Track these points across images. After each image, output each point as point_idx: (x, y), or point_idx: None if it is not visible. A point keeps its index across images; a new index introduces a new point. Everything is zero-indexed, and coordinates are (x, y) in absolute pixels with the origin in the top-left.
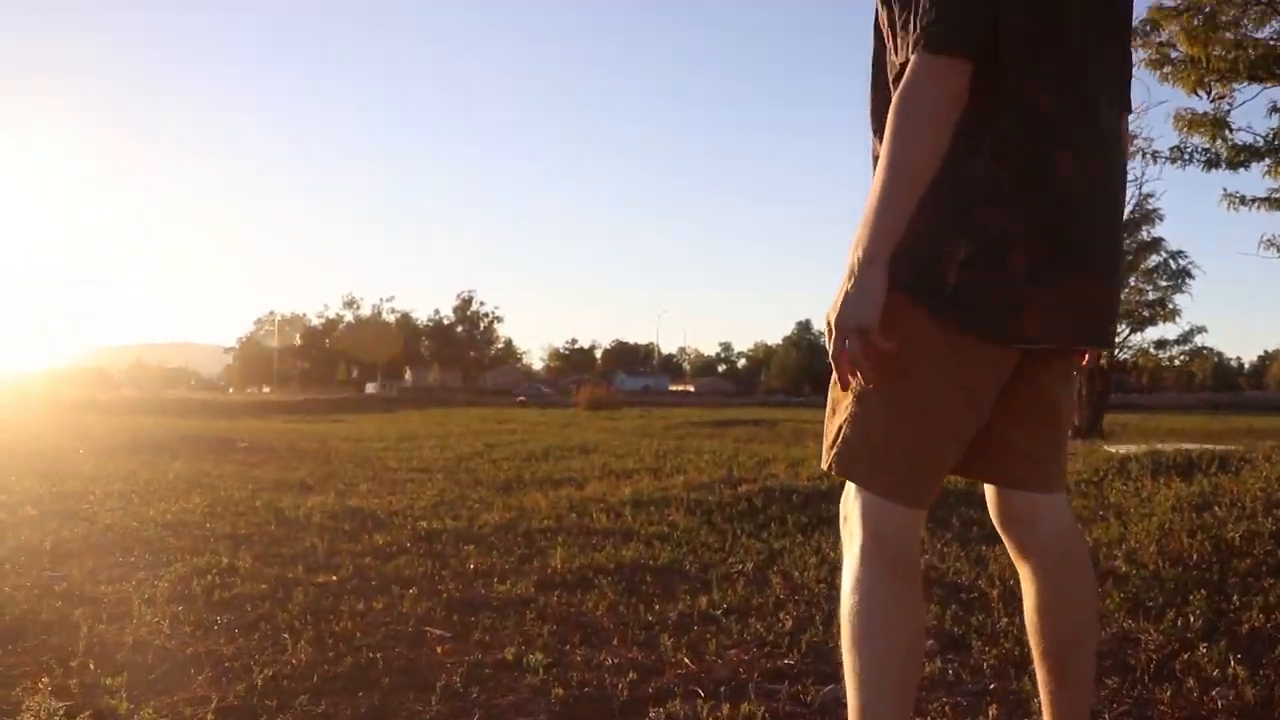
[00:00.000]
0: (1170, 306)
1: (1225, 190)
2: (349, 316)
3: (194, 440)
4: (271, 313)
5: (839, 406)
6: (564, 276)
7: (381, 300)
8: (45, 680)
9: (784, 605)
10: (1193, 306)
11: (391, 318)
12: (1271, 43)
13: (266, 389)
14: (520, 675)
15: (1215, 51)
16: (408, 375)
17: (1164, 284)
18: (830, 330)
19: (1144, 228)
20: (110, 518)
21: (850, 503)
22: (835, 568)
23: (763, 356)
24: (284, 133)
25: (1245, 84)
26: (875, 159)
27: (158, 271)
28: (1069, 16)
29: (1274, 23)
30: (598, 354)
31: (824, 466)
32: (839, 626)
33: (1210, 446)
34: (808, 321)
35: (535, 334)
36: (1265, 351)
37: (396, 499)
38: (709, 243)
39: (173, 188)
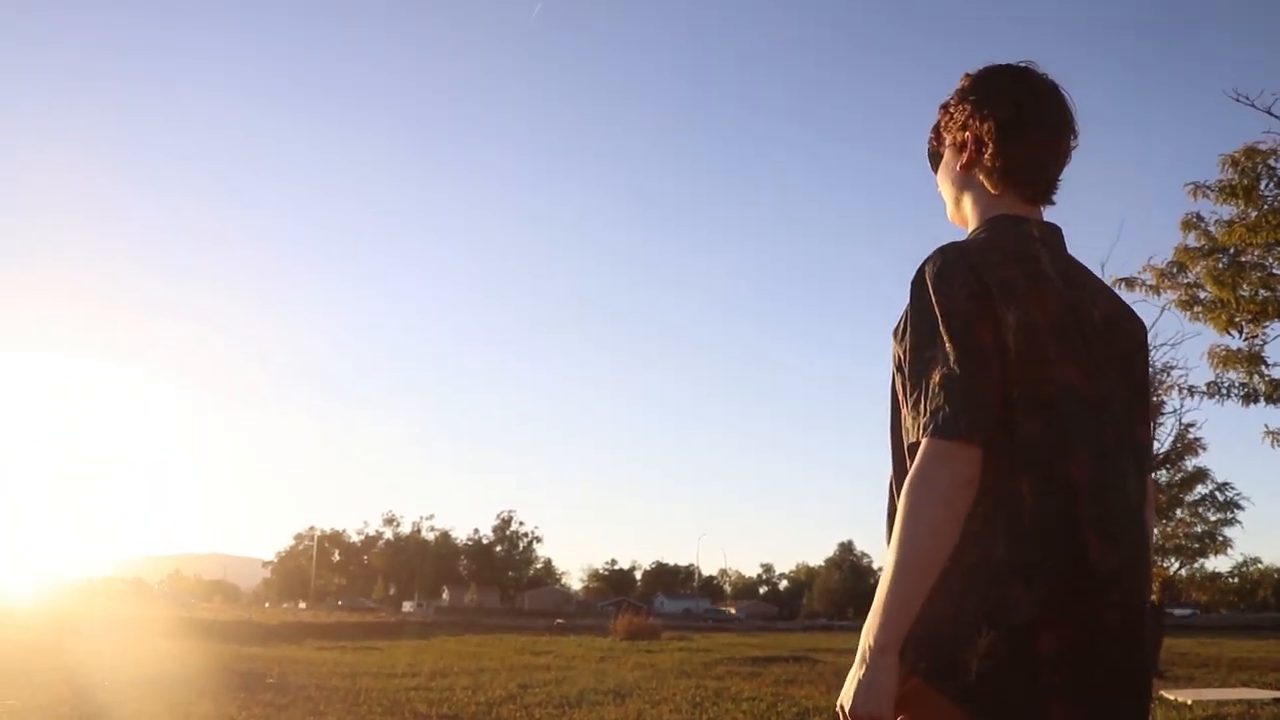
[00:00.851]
0: (1220, 539)
1: (1267, 427)
2: (388, 534)
3: (223, 673)
4: (311, 528)
5: None
6: (604, 496)
7: (421, 518)
8: None
9: None
10: (1244, 537)
11: (431, 536)
12: None
13: (303, 605)
14: None
15: (1243, 293)
16: (445, 594)
17: (1212, 517)
18: (842, 716)
19: (1186, 458)
20: None
21: None
22: None
23: (805, 578)
24: (327, 352)
25: (1277, 322)
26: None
27: (201, 483)
28: (1089, 389)
29: None
30: (637, 575)
31: None
32: None
33: None
34: (850, 542)
35: (574, 554)
36: None
37: None
38: (749, 462)
39: (221, 403)
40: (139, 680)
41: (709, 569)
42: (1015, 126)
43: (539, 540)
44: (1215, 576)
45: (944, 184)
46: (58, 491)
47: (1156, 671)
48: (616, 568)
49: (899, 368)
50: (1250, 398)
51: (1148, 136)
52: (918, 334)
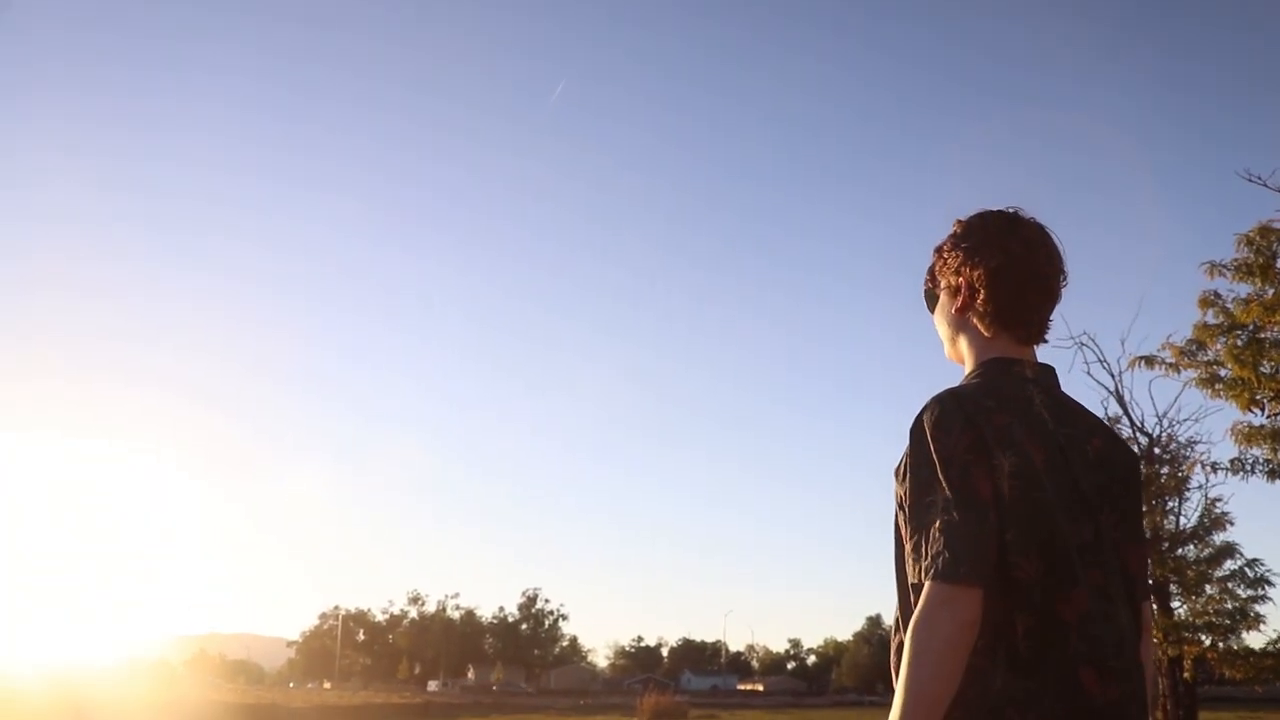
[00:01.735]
0: (1253, 614)
1: None
2: (413, 613)
3: None
4: (336, 607)
5: None
6: (630, 573)
7: (446, 597)
8: None
9: None
10: (1276, 614)
11: (456, 614)
12: None
13: (327, 685)
14: None
15: (1264, 370)
16: (470, 673)
17: (1242, 593)
18: None
19: (1215, 533)
20: None
21: None
22: None
23: (833, 653)
24: (354, 433)
25: None
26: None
27: (227, 564)
28: (1079, 528)
29: None
30: (664, 651)
31: None
32: None
33: None
34: (878, 616)
35: (600, 631)
36: None
37: None
38: (776, 538)
39: (247, 483)
40: None
41: (736, 645)
42: (1005, 274)
43: (565, 618)
44: (1249, 653)
45: (940, 324)
46: (86, 573)
47: None
48: (643, 645)
49: (901, 506)
50: (1276, 474)
51: (1164, 213)
52: (917, 479)
